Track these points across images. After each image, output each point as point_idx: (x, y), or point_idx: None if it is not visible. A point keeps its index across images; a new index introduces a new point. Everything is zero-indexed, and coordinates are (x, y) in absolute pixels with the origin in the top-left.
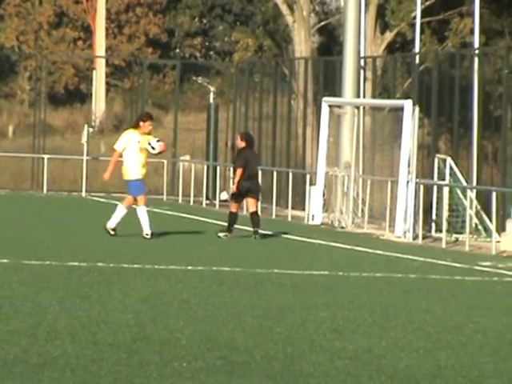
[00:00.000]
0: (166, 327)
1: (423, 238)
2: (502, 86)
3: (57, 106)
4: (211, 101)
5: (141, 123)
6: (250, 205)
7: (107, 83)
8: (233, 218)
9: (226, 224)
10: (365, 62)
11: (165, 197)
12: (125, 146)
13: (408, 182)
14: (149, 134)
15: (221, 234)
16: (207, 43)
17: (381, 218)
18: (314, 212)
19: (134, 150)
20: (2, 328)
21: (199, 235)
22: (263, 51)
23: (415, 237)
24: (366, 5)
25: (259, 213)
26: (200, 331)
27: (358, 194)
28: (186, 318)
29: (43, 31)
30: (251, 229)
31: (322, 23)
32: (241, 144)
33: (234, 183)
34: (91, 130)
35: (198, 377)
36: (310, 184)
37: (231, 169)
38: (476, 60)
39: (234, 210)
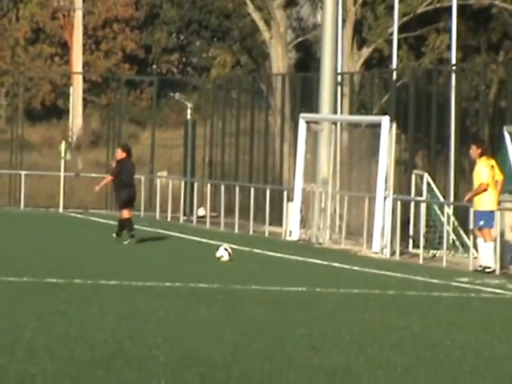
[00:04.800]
0: (144, 344)
1: (400, 254)
2: (478, 102)
3: (34, 121)
4: (188, 117)
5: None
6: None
7: (84, 99)
8: (130, 223)
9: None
10: (342, 78)
11: (142, 213)
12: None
13: (385, 197)
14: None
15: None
16: (184, 59)
17: (358, 234)
18: (291, 228)
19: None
20: None
21: (176, 251)
22: (240, 67)
23: (392, 253)
24: (343, 21)
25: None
26: (178, 348)
27: (335, 210)
28: (164, 334)
29: (20, 47)
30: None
31: (299, 39)
32: (121, 155)
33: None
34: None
35: None
36: (288, 200)
37: (208, 185)
38: (453, 76)
39: (128, 216)
